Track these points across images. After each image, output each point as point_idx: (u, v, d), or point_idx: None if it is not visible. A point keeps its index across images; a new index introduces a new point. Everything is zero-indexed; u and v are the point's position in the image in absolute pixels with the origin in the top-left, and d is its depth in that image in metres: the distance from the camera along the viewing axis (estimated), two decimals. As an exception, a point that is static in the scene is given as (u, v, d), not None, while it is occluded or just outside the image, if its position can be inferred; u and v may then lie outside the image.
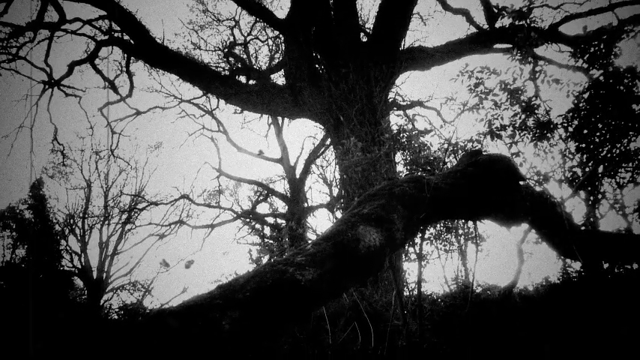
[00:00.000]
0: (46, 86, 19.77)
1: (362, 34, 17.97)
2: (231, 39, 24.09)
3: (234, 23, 24.22)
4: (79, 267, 26.75)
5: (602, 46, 7.03)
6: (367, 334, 6.82)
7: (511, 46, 7.53)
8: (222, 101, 22.32)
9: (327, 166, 23.17)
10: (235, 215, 25.84)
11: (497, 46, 17.69)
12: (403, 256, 8.89)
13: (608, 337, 5.28)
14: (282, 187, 26.62)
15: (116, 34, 18.75)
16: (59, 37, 18.71)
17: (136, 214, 28.33)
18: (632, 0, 14.51)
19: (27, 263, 23.66)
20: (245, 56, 24.07)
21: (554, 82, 7.08)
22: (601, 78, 6.89)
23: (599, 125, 6.81)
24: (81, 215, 27.89)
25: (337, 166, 16.62)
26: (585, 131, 6.88)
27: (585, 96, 6.93)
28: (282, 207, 26.18)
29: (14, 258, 24.20)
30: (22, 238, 24.61)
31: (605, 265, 6.28)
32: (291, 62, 16.82)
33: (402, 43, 16.90)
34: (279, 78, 21.29)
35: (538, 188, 6.58)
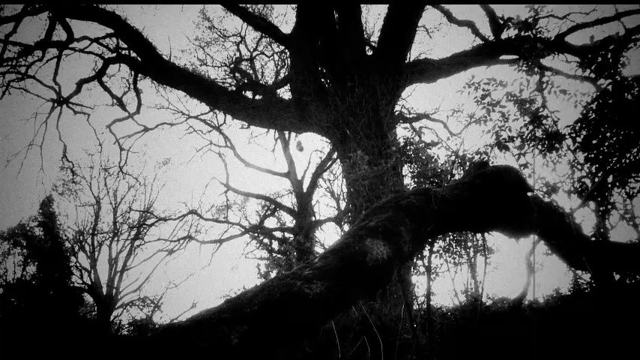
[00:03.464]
0: (55, 104, 19.98)
1: (367, 47, 18.04)
2: (238, 55, 24.28)
3: (240, 39, 24.43)
4: (89, 283, 26.82)
5: (609, 56, 6.99)
6: (377, 348, 6.76)
7: (517, 57, 7.51)
8: (229, 117, 22.43)
9: (334, 180, 23.16)
10: (243, 230, 25.82)
11: (504, 57, 17.70)
12: (412, 269, 8.81)
13: (619, 347, 5.20)
14: (289, 201, 26.66)
15: (123, 52, 18.93)
16: (67, 56, 18.93)
17: (145, 230, 28.45)
18: (639, 9, 14.50)
19: (37, 280, 23.74)
20: (251, 71, 24.23)
21: (562, 93, 7.05)
22: (609, 88, 6.86)
23: (608, 135, 6.77)
24: (90, 232, 28.04)
25: (344, 180, 16.60)
26: (594, 141, 6.84)
27: (593, 106, 6.89)
28: (289, 221, 26.18)
29: (25, 275, 24.30)
30: (32, 255, 24.72)
31: (617, 277, 6.20)
32: (296, 77, 16.88)
33: (408, 56, 16.95)
34: (285, 93, 21.38)
35: (547, 199, 6.54)
